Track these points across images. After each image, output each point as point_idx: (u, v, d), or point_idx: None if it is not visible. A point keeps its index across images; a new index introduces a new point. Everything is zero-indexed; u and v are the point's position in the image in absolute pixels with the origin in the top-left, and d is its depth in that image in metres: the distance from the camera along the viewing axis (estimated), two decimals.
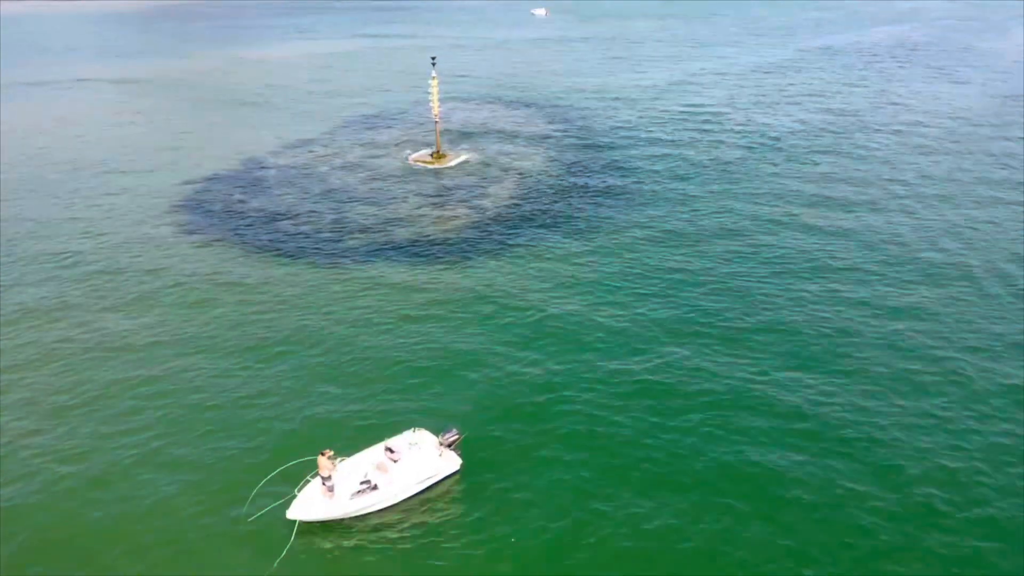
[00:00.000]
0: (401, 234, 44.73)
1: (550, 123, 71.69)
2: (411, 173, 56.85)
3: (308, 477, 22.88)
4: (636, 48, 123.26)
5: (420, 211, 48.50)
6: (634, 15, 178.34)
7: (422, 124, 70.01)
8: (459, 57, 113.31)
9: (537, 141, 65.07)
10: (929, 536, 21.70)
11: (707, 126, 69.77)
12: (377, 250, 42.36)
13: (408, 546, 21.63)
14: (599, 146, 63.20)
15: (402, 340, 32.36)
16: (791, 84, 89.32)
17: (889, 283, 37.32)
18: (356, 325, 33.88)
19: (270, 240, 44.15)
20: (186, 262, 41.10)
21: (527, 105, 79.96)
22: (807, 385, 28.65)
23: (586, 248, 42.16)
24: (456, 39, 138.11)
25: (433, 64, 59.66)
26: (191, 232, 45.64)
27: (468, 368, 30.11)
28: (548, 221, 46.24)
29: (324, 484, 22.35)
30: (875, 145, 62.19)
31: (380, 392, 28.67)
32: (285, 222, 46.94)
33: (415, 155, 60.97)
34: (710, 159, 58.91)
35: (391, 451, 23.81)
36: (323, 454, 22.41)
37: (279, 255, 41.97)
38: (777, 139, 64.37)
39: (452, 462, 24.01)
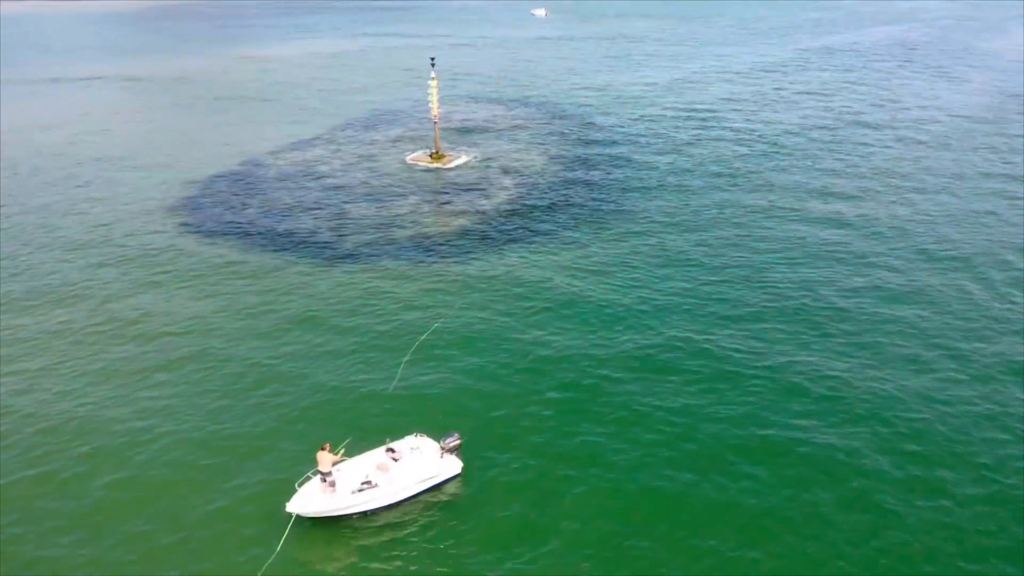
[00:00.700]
0: (400, 234, 44.88)
1: (550, 123, 71.85)
2: (410, 173, 57.00)
3: (308, 474, 23.04)
4: (636, 48, 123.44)
5: (419, 211, 48.65)
6: (634, 15, 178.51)
7: (422, 124, 70.16)
8: (459, 57, 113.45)
9: (537, 141, 65.22)
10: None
11: (707, 125, 70.00)
12: (376, 249, 42.50)
13: (406, 547, 21.73)
14: (599, 146, 63.35)
15: (402, 340, 32.46)
16: (791, 83, 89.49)
17: (891, 269, 38.28)
18: (355, 325, 34.00)
19: (269, 239, 44.29)
20: (185, 261, 41.22)
21: (527, 105, 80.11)
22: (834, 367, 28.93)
23: (586, 248, 42.28)
24: (456, 39, 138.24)
25: (432, 64, 59.83)
26: (190, 231, 45.78)
27: (469, 370, 30.18)
28: (548, 221, 46.39)
29: (324, 480, 22.52)
30: (875, 143, 62.41)
31: (380, 392, 28.77)
32: (284, 221, 47.08)
33: (414, 155, 61.13)
34: (710, 157, 59.07)
35: (392, 452, 23.98)
36: (323, 449, 22.58)
37: (278, 254, 42.09)
38: (777, 137, 64.54)
39: (453, 466, 24.13)
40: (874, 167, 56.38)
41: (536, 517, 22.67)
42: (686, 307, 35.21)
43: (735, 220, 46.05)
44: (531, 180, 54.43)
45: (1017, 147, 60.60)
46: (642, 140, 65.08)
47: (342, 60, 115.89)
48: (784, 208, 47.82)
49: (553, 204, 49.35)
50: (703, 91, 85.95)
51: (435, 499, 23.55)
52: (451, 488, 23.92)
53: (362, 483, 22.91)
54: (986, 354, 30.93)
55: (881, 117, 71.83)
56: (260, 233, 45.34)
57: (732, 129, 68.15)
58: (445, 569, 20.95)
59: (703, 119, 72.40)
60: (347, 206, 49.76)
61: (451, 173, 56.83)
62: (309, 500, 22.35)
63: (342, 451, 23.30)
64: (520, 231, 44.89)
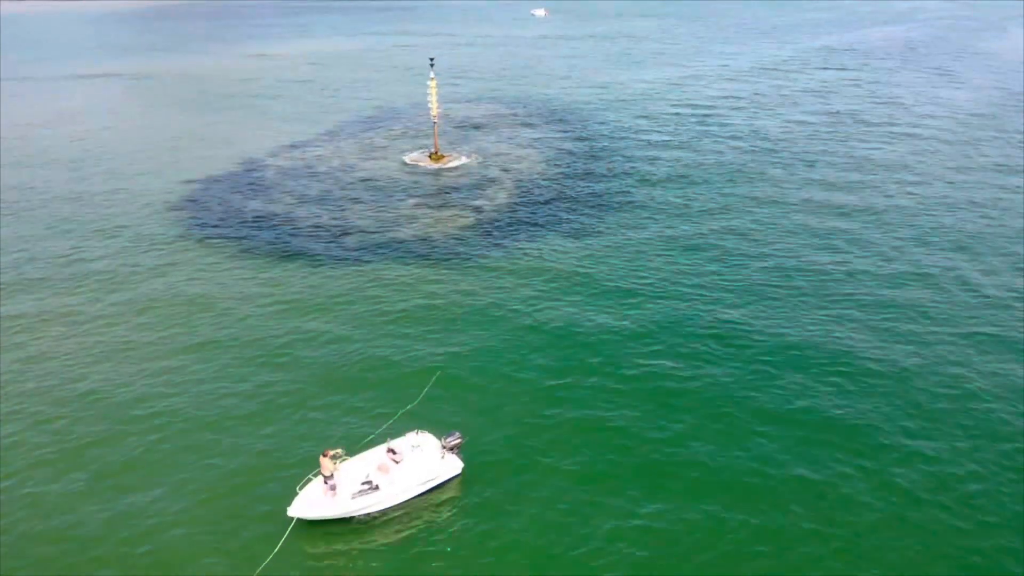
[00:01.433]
0: (400, 234, 44.89)
1: (549, 123, 71.88)
2: (410, 174, 57.01)
3: (310, 476, 23.08)
4: (635, 48, 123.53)
5: (419, 211, 48.66)
6: (633, 15, 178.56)
7: (421, 125, 70.17)
8: (458, 57, 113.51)
9: (536, 141, 65.24)
10: None
11: (706, 124, 70.06)
12: (376, 250, 42.51)
13: (406, 547, 21.73)
14: (599, 145, 63.38)
15: (402, 341, 32.51)
16: (791, 83, 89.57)
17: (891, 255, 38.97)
18: (355, 325, 33.99)
19: (268, 239, 44.29)
20: (184, 261, 41.20)
21: (526, 105, 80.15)
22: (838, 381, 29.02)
23: (586, 247, 42.29)
24: (456, 39, 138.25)
25: (432, 65, 59.88)
26: (189, 231, 45.77)
27: (469, 370, 30.19)
28: (547, 221, 46.41)
29: (326, 483, 22.55)
30: (874, 142, 62.46)
31: (380, 393, 28.78)
32: (283, 222, 47.09)
33: (413, 156, 61.16)
34: (711, 155, 59.08)
35: (393, 452, 23.96)
36: (325, 454, 22.59)
37: (277, 254, 42.09)
38: (776, 137, 64.53)
39: (454, 465, 24.11)
40: (874, 162, 56.81)
41: (537, 517, 22.66)
42: (691, 301, 35.23)
43: (735, 217, 46.11)
44: (531, 180, 54.44)
45: (1016, 142, 61.13)
46: (642, 139, 65.11)
47: (341, 60, 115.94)
48: (783, 207, 47.88)
49: (553, 204, 49.36)
50: (703, 90, 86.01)
51: (436, 499, 23.55)
52: (452, 488, 23.93)
53: (363, 484, 22.92)
54: None
55: (880, 115, 71.92)
56: (259, 232, 45.32)
57: (732, 128, 68.18)
58: (445, 570, 20.97)
59: (703, 118, 72.47)
60: (347, 206, 49.76)
61: (451, 173, 56.85)
62: (311, 504, 22.36)
63: (344, 458, 23.38)
64: (520, 231, 44.89)
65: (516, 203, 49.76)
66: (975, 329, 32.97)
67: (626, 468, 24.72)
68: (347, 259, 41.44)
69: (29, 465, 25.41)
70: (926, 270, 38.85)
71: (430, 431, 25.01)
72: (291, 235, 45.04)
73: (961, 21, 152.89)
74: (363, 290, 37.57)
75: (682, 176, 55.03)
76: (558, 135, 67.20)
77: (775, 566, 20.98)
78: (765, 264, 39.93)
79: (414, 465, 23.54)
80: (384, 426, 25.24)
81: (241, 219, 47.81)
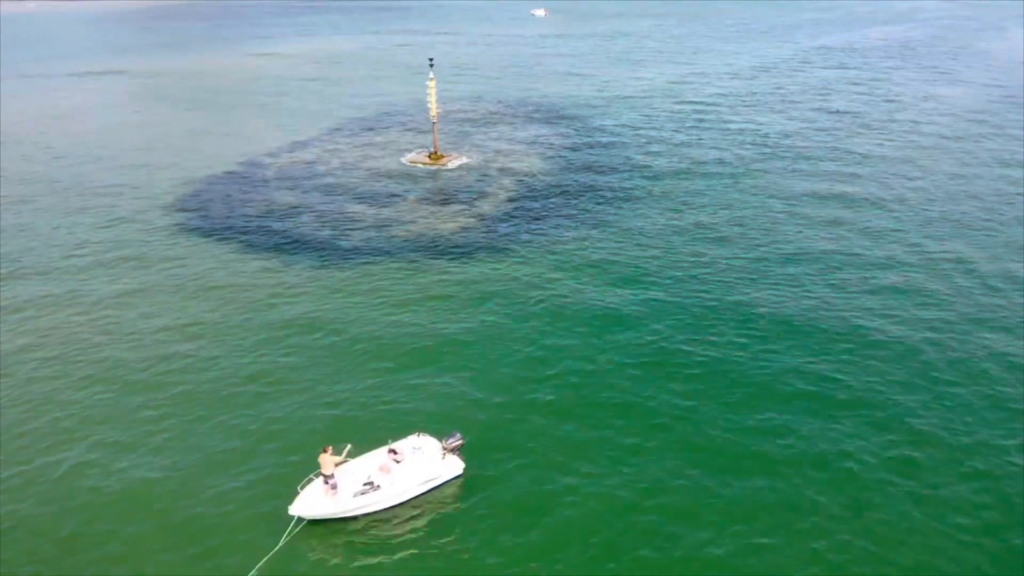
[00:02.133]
0: (399, 234, 44.94)
1: (549, 123, 71.90)
2: (409, 174, 57.05)
3: (311, 475, 23.13)
4: (635, 47, 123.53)
5: (418, 212, 48.70)
6: (633, 14, 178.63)
7: (420, 125, 70.19)
8: (458, 57, 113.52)
9: (536, 141, 65.27)
10: None
11: (707, 122, 70.12)
12: (376, 250, 42.55)
13: (407, 547, 21.76)
14: (599, 144, 63.41)
15: (402, 341, 32.54)
16: (791, 83, 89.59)
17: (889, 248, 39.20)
18: (354, 325, 34.06)
19: (268, 239, 44.32)
20: (184, 260, 41.24)
21: (526, 105, 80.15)
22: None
23: (586, 247, 42.32)
24: (455, 39, 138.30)
25: (431, 65, 59.91)
26: (189, 230, 45.83)
27: (470, 372, 30.17)
28: (547, 220, 46.44)
29: (326, 482, 22.61)
30: (874, 141, 62.54)
31: (380, 393, 28.82)
32: (283, 221, 47.14)
33: (413, 156, 61.19)
34: (711, 154, 59.13)
35: (395, 452, 24.06)
36: (325, 451, 22.66)
37: (277, 254, 42.12)
38: (776, 136, 64.56)
39: (455, 466, 24.15)
40: (874, 159, 57.16)
41: (537, 517, 22.72)
42: (690, 302, 35.28)
43: (736, 215, 46.34)
44: (530, 180, 54.48)
45: (1016, 139, 61.55)
46: (642, 138, 65.13)
47: (341, 60, 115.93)
48: (783, 205, 47.97)
49: (553, 203, 49.39)
50: (703, 89, 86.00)
51: (436, 499, 23.58)
52: (452, 488, 23.98)
53: (364, 484, 22.98)
54: None
55: (880, 116, 71.94)
56: (259, 232, 45.38)
57: (732, 127, 68.21)
58: (446, 569, 21.02)
59: (703, 117, 72.48)
60: (346, 206, 49.80)
61: (450, 173, 56.89)
62: (312, 503, 22.42)
63: (345, 453, 23.39)
64: (520, 231, 44.94)
65: (516, 202, 49.73)
66: (975, 314, 34.05)
67: (632, 468, 24.75)
68: (346, 258, 41.49)
69: (22, 448, 25.66)
70: (929, 255, 40.36)
71: (430, 431, 25.06)
72: (290, 234, 45.07)
73: (961, 21, 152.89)
74: (362, 289, 37.61)
75: (685, 171, 55.31)
76: (558, 134, 67.22)
77: (783, 536, 21.69)
78: (771, 250, 40.98)
79: (415, 465, 23.59)
80: (386, 423, 25.30)
81: (241, 218, 47.84)
